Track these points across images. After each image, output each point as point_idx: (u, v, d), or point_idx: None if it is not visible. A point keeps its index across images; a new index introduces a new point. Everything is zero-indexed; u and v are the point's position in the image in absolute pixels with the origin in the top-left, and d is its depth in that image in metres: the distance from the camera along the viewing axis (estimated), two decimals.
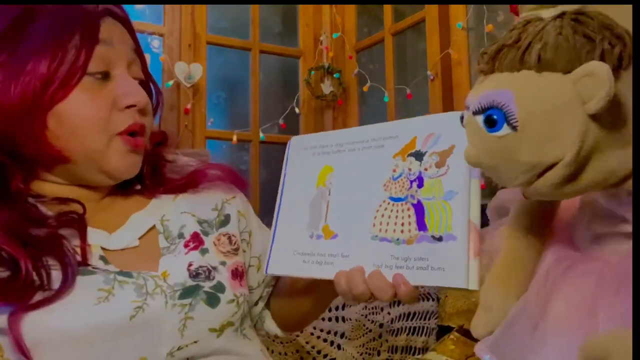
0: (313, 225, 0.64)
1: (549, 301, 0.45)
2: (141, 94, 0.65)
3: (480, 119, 0.43)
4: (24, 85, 0.59)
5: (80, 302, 0.58)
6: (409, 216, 0.57)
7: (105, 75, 0.64)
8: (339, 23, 2.20)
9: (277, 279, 0.81)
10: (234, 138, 2.04)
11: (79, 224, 0.63)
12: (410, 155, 0.59)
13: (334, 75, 2.16)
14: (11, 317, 0.55)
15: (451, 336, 1.20)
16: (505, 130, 0.41)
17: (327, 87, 2.17)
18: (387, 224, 0.58)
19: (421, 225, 0.56)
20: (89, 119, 0.62)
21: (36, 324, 0.56)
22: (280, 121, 2.13)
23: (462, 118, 0.47)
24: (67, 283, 0.57)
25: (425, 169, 0.57)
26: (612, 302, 0.41)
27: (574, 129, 0.39)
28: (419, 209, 0.57)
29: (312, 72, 2.16)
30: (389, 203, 0.59)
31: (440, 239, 0.54)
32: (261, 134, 2.09)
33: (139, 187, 0.73)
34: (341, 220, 0.62)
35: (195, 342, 0.62)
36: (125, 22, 0.68)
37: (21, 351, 0.55)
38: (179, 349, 0.61)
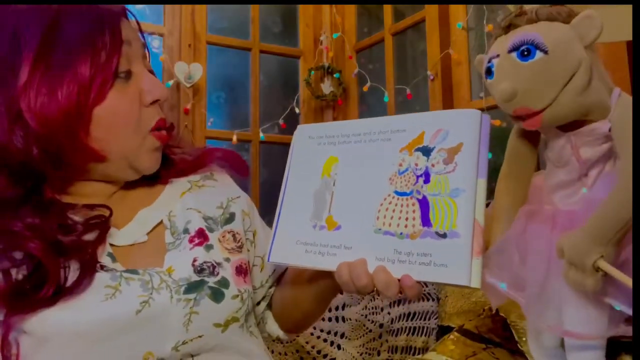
0: (317, 216, 0.63)
1: (525, 239, 0.63)
2: (162, 88, 0.67)
3: (515, 54, 0.58)
4: (67, 93, 0.59)
5: (88, 299, 0.59)
6: (414, 211, 0.57)
7: (129, 74, 0.65)
8: (339, 23, 2.20)
9: (279, 278, 0.81)
10: (234, 138, 2.04)
11: (103, 226, 0.64)
12: (417, 149, 0.59)
13: (334, 75, 2.16)
14: (5, 322, 0.56)
15: (451, 336, 1.20)
16: (538, 55, 0.57)
17: (327, 87, 2.17)
18: (392, 217, 0.58)
19: (425, 220, 0.56)
20: (124, 118, 0.64)
21: (44, 320, 0.57)
22: (280, 121, 2.13)
23: (488, 70, 0.62)
24: (81, 286, 0.59)
25: (433, 165, 0.57)
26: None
27: (580, 52, 0.58)
28: (424, 204, 0.56)
29: (312, 72, 2.16)
30: (393, 197, 0.58)
31: (444, 235, 0.54)
32: (261, 134, 2.09)
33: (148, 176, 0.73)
34: (345, 212, 0.61)
35: (199, 336, 0.63)
36: (131, 21, 0.69)
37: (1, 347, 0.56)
38: (183, 343, 0.62)
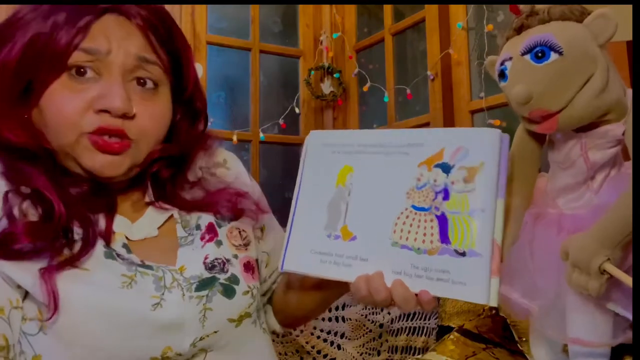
0: (331, 225, 0.63)
1: (532, 243, 0.62)
2: (118, 100, 0.61)
3: (528, 56, 0.57)
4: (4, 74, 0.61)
5: (106, 282, 0.60)
6: (432, 227, 0.57)
7: (85, 74, 0.62)
8: (339, 23, 2.20)
9: (286, 276, 0.81)
10: (234, 138, 2.04)
11: (109, 199, 0.65)
12: (437, 166, 0.59)
13: (334, 75, 2.16)
14: (44, 272, 0.57)
15: (451, 336, 1.20)
16: (553, 57, 0.55)
17: (327, 87, 2.17)
18: (409, 232, 0.58)
19: (444, 237, 0.56)
20: (62, 116, 0.61)
21: (68, 292, 0.58)
22: (280, 121, 2.13)
23: (501, 73, 0.60)
24: (88, 247, 0.60)
25: (453, 182, 0.57)
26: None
27: (596, 52, 0.55)
28: (442, 221, 0.57)
29: (312, 72, 2.15)
30: (411, 211, 0.59)
31: (463, 254, 0.55)
32: (261, 134, 2.09)
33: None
34: (361, 223, 0.61)
35: (215, 332, 0.64)
36: (137, 19, 0.64)
37: (53, 301, 0.56)
38: (201, 339, 0.63)
